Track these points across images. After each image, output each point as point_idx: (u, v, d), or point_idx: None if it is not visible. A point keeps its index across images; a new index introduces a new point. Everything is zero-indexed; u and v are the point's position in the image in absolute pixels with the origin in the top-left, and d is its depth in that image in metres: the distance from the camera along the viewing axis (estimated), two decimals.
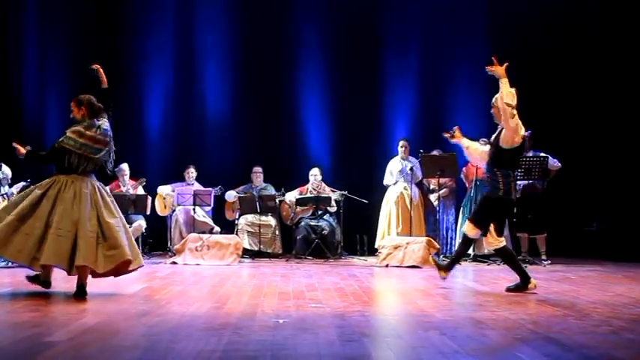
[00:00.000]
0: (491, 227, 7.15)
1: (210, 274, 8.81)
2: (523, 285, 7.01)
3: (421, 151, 10.77)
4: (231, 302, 5.98)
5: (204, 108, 13.28)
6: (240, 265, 10.25)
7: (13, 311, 5.48)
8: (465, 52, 12.59)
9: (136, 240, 10.69)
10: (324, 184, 12.08)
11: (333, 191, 11.84)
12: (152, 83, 13.17)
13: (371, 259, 11.05)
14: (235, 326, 4.76)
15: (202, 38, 13.27)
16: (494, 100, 7.23)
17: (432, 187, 11.49)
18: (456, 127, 7.77)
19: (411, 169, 11.33)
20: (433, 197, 11.41)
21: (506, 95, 6.92)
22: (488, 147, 7.56)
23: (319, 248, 11.39)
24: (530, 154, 10.57)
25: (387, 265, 10.08)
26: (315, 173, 12.07)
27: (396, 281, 8.30)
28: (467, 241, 7.54)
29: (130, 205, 11.00)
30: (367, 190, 11.91)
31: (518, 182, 10.53)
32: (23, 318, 5.10)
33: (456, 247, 7.68)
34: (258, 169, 12.29)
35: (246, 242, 11.48)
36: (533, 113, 11.74)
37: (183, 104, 13.24)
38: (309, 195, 11.90)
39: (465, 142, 7.69)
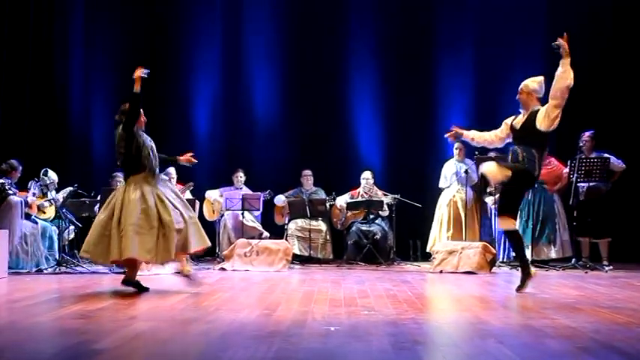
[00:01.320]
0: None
1: (260, 280, 8.85)
2: (526, 275, 7.34)
3: (476, 153, 10.69)
4: (281, 309, 5.99)
5: (253, 110, 13.33)
6: (289, 271, 10.27)
7: (60, 318, 5.55)
8: (522, 52, 12.46)
9: None
10: (375, 188, 12.06)
11: (385, 195, 11.82)
12: (200, 85, 13.29)
13: (424, 265, 11.00)
14: (285, 334, 4.77)
15: (250, 39, 13.32)
16: (522, 86, 7.48)
17: (488, 189, 11.38)
18: (453, 127, 8.04)
19: (466, 171, 11.26)
20: (490, 200, 11.32)
21: (572, 78, 7.04)
22: (499, 131, 7.78)
23: (371, 254, 11.37)
24: (594, 155, 10.43)
25: (441, 271, 10.01)
26: (366, 176, 12.05)
27: (450, 287, 8.24)
28: (515, 237, 7.56)
29: None
30: (420, 194, 11.85)
31: (582, 184, 10.40)
32: (70, 325, 5.16)
33: (515, 254, 7.67)
34: (308, 172, 12.31)
35: (296, 248, 11.51)
36: (596, 113, 11.68)
37: (232, 107, 13.32)
38: (360, 199, 11.89)
39: (469, 135, 7.97)
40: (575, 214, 10.31)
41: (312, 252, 11.68)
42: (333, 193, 11.89)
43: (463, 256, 10.03)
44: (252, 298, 7.01)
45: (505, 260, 11.09)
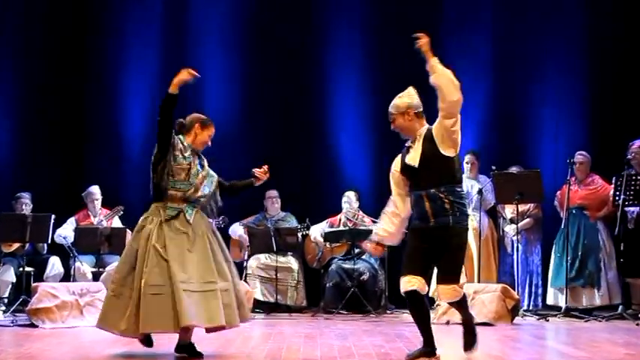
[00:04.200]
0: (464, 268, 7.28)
1: (210, 335, 8.74)
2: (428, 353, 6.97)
3: (493, 167, 10.68)
4: None
5: (201, 111, 13.20)
6: (249, 323, 10.15)
7: None
8: (552, 42, 12.48)
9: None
10: (362, 214, 12.06)
11: (374, 222, 11.75)
12: (131, 79, 13.12)
13: None
14: None
15: (199, 18, 13.25)
16: (392, 109, 7.03)
17: (509, 215, 11.34)
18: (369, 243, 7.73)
19: (480, 191, 11.20)
20: (511, 230, 11.28)
21: (451, 78, 6.93)
22: (399, 198, 7.12)
23: (356, 299, 11.34)
24: None
25: (447, 322, 9.96)
26: (349, 199, 12.04)
27: (460, 344, 8.17)
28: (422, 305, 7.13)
29: (102, 243, 10.95)
30: None
31: (631, 209, 10.39)
32: None
33: (418, 326, 7.19)
34: (273, 193, 12.28)
35: (258, 292, 11.49)
36: None
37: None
38: (342, 228, 11.86)
39: (392, 240, 7.17)
40: (622, 248, 10.28)
41: (279, 297, 11.63)
42: (307, 220, 11.82)
43: (477, 302, 9.99)
44: None
45: (531, 308, 11.08)
